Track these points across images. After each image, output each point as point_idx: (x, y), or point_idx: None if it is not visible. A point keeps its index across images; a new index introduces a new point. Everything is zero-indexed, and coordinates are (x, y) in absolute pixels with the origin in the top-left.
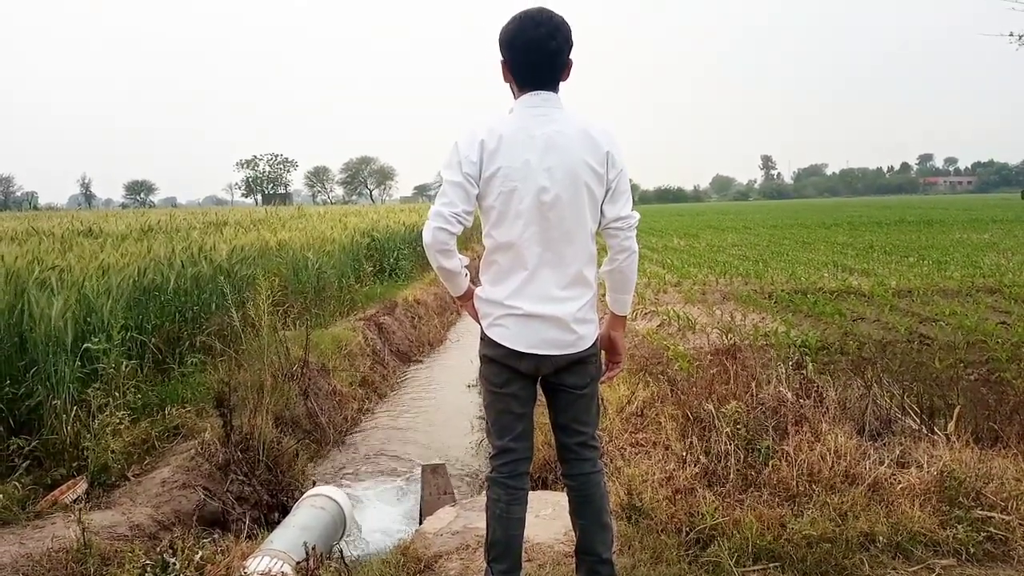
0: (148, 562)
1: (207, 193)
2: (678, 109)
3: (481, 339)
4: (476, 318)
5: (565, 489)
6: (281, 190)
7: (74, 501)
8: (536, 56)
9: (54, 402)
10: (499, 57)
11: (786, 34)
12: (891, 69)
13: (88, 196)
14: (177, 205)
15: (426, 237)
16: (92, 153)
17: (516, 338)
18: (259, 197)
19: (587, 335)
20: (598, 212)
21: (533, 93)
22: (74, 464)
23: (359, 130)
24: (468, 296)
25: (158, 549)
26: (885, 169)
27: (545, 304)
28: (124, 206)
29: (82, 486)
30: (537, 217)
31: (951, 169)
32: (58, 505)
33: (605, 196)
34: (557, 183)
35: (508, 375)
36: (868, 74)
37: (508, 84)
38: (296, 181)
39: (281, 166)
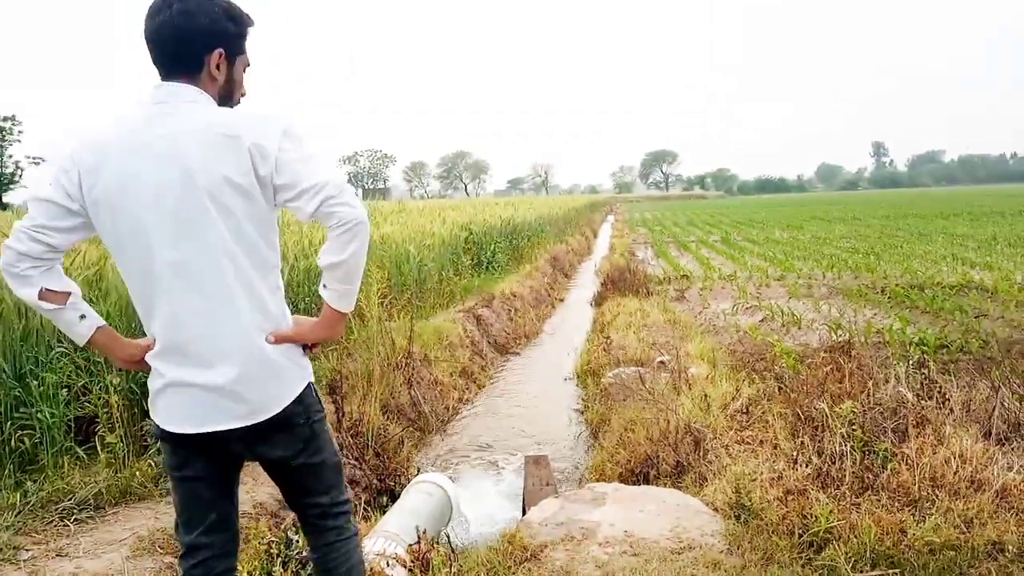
0: (273, 539)
1: None
2: (778, 92)
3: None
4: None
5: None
6: (380, 185)
7: None
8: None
9: None
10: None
11: (894, 10)
12: (1012, 45)
13: None
14: None
15: None
16: None
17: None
18: (359, 192)
19: (263, 399)
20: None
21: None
22: None
23: (453, 125)
24: (107, 347)
25: (282, 527)
26: (1008, 155)
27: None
28: None
29: None
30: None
31: None
32: None
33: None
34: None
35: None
36: (986, 51)
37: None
38: (394, 176)
39: (380, 161)
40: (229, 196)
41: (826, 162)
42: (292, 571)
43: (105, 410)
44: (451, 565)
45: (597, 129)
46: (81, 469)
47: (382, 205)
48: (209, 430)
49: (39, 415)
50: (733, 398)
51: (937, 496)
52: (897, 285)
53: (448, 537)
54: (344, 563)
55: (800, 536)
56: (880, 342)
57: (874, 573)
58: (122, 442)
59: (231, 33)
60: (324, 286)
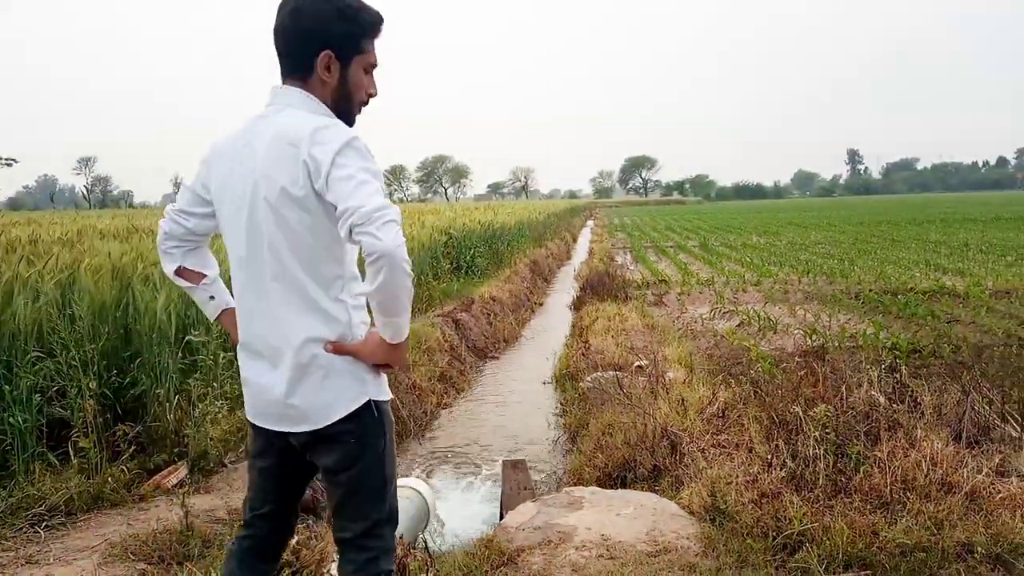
0: None
1: None
2: (756, 99)
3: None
4: None
5: None
6: None
7: (175, 485)
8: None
9: (158, 391)
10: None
11: (868, 21)
12: (985, 57)
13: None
14: None
15: None
16: (182, 153)
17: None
18: None
19: (312, 408)
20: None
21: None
22: (175, 450)
23: (433, 129)
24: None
25: None
26: (980, 164)
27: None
28: None
29: (183, 471)
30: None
31: None
32: (160, 489)
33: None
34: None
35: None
36: (962, 62)
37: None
38: None
39: None
40: (286, 207)
41: (802, 169)
42: None
43: (80, 415)
44: (428, 570)
45: (577, 134)
46: (53, 475)
47: None
48: (270, 428)
49: (11, 419)
50: (710, 402)
51: (908, 498)
52: (871, 291)
53: (425, 542)
54: None
55: (774, 538)
56: (854, 347)
57: (846, 575)
58: (95, 447)
59: (341, 33)
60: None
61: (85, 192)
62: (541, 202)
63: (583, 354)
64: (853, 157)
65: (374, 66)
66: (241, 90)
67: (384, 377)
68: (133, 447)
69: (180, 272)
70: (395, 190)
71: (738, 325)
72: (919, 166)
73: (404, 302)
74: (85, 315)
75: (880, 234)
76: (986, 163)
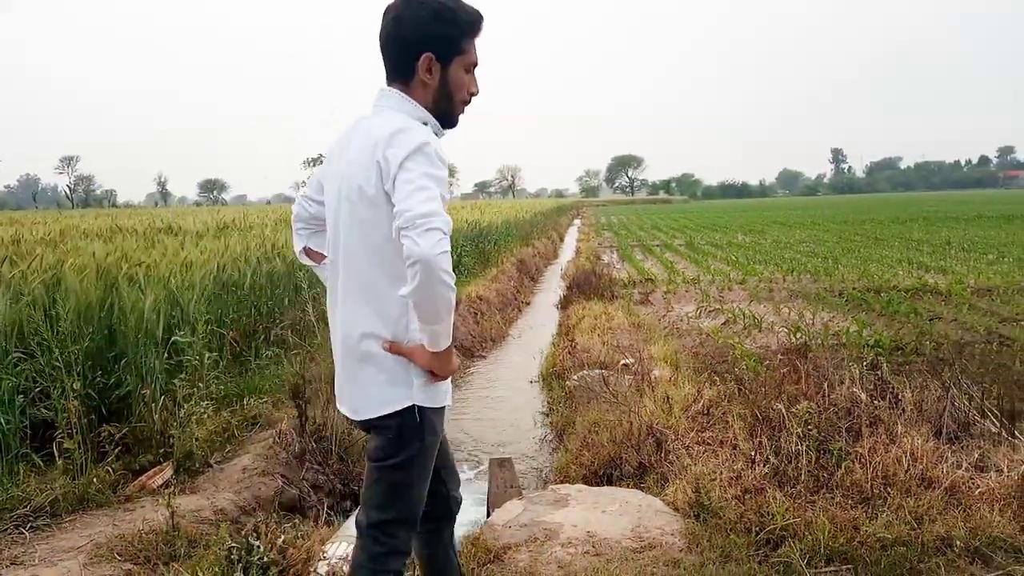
0: (234, 544)
1: (276, 191)
2: (743, 99)
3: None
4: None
5: None
6: None
7: (161, 486)
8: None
9: (143, 392)
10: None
11: (853, 22)
12: (969, 58)
13: (164, 194)
14: (247, 203)
15: None
16: (168, 153)
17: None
18: None
19: (360, 401)
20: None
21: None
22: (160, 451)
23: None
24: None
25: (243, 532)
26: (963, 163)
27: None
28: (198, 203)
29: (168, 472)
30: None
31: None
32: (146, 489)
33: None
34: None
35: None
36: (946, 62)
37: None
38: None
39: None
40: (361, 204)
41: (787, 168)
42: None
43: (64, 415)
44: (414, 568)
45: (564, 133)
46: (37, 476)
47: None
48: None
49: None
50: (695, 400)
51: (889, 493)
52: (854, 289)
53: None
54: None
55: (757, 534)
56: (837, 344)
57: (827, 569)
58: (80, 448)
59: (440, 36)
60: None
61: (68, 191)
62: (528, 201)
63: (570, 353)
64: (837, 156)
65: (475, 65)
66: (226, 90)
67: (438, 385)
68: (118, 448)
69: (306, 251)
70: None
71: (723, 323)
72: (902, 165)
73: (440, 310)
74: (69, 316)
75: (864, 232)
76: (968, 162)
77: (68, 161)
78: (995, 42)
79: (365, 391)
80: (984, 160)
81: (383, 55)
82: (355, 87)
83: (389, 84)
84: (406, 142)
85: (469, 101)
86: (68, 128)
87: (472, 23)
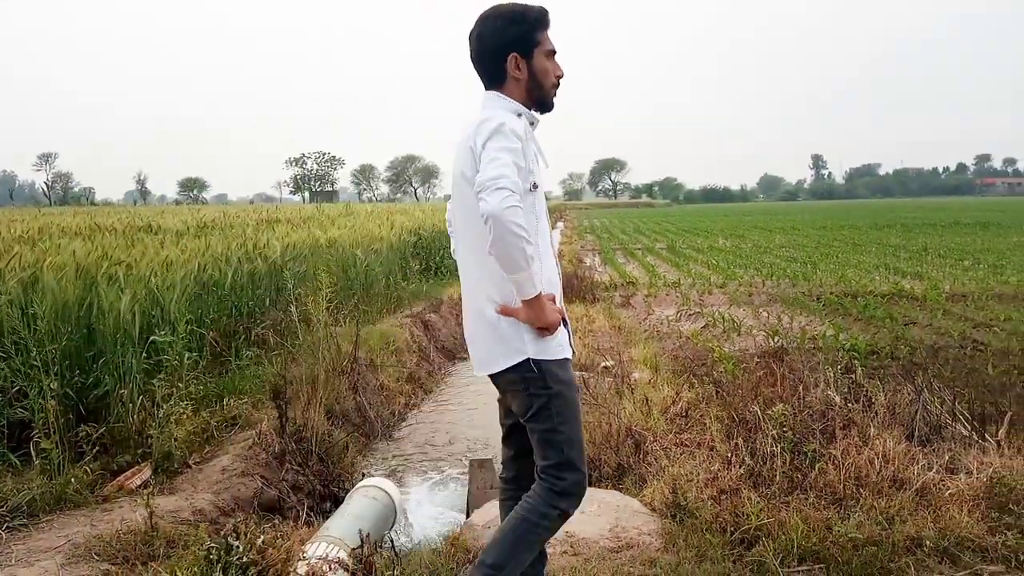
0: (213, 545)
1: (257, 190)
2: (724, 106)
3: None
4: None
5: None
6: (328, 188)
7: (139, 486)
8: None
9: (121, 391)
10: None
11: (834, 31)
12: (946, 66)
13: (144, 192)
14: (228, 202)
15: None
16: (147, 152)
17: None
18: (306, 194)
19: (481, 359)
20: None
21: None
22: (139, 451)
23: (404, 129)
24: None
25: (222, 533)
26: (940, 170)
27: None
28: (178, 202)
29: (147, 472)
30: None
31: (1010, 170)
32: (124, 490)
33: None
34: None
35: None
36: (923, 71)
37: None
38: (343, 179)
39: (328, 164)
40: (465, 186)
41: (768, 173)
42: None
43: (41, 415)
44: (394, 568)
45: (548, 136)
46: (14, 476)
47: (328, 208)
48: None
49: None
50: (673, 402)
51: (861, 494)
52: (832, 293)
53: (392, 541)
54: (515, 512)
55: (732, 533)
56: (814, 348)
57: (800, 569)
58: (58, 448)
59: (517, 36)
60: None
61: (45, 189)
62: None
63: None
64: (817, 162)
65: (553, 52)
66: (211, 90)
67: (551, 339)
68: (96, 448)
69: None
70: (364, 189)
71: (703, 327)
72: (881, 171)
73: (517, 259)
74: (47, 315)
75: (842, 238)
76: (947, 169)
77: (46, 158)
78: (975, 53)
79: (485, 350)
80: (962, 167)
81: (478, 70)
82: (355, 87)
83: (487, 88)
84: (487, 128)
85: (558, 84)
86: (46, 125)
87: (539, 17)
